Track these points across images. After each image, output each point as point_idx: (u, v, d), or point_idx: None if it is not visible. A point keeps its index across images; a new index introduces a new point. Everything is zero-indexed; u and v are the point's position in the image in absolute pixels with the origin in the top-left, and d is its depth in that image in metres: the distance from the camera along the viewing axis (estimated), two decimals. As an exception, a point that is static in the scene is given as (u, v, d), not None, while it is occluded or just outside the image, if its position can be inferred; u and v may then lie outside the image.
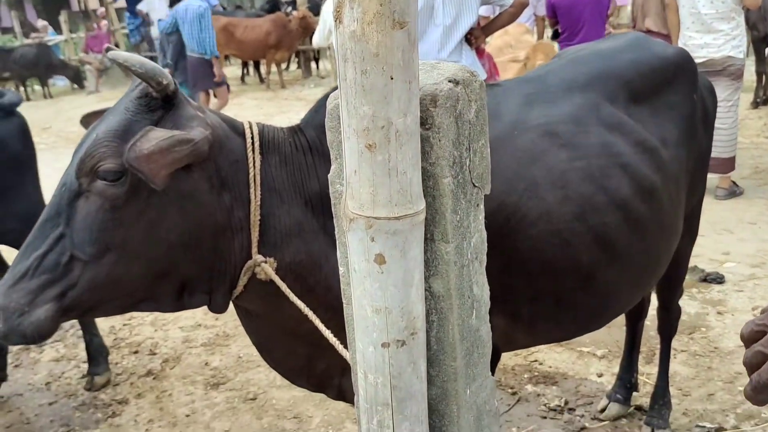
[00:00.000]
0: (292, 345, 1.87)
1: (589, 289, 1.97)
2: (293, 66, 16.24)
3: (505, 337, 1.94)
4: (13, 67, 14.84)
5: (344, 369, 1.70)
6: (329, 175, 1.09)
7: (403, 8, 0.82)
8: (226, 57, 13.78)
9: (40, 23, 18.36)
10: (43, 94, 15.31)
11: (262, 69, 14.55)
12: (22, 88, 15.39)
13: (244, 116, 8.42)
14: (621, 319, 2.92)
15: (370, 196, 0.88)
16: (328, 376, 1.93)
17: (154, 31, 13.91)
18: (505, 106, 1.96)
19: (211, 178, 1.57)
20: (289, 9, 14.74)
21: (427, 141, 0.95)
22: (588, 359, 3.42)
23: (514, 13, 3.88)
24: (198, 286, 1.65)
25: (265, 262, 1.64)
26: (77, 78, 15.78)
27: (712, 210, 5.12)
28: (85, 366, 3.61)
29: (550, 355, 3.46)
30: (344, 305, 1.15)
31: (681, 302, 2.81)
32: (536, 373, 3.33)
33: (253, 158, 1.63)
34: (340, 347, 1.41)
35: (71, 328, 4.12)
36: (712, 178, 5.02)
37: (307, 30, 13.57)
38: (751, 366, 0.88)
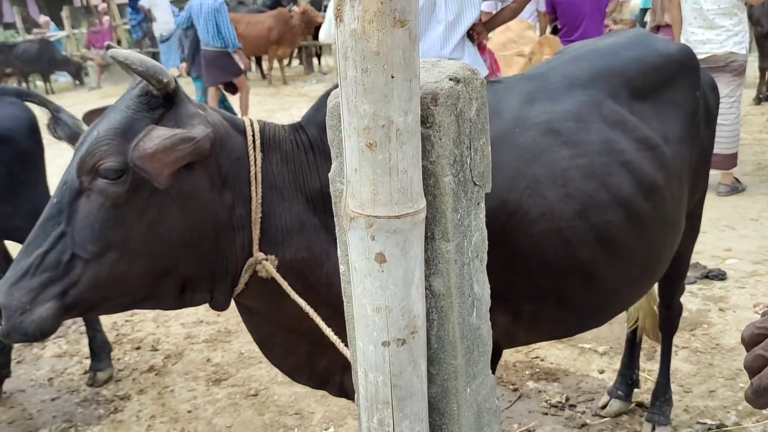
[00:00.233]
0: (293, 342, 1.87)
1: (591, 286, 1.96)
2: (295, 62, 16.22)
3: (507, 335, 1.94)
4: (15, 63, 14.85)
5: (345, 366, 1.70)
6: (330, 174, 1.09)
7: (403, 6, 0.82)
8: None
9: (42, 19, 18.36)
10: (45, 90, 15.31)
11: (264, 65, 14.53)
12: (24, 84, 15.40)
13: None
14: (622, 316, 2.93)
15: (370, 194, 0.88)
16: (330, 373, 1.93)
17: (156, 27, 13.92)
18: (507, 103, 1.95)
19: (212, 176, 1.57)
20: (292, 5, 14.72)
21: (427, 139, 0.95)
22: (589, 356, 3.43)
23: (516, 9, 3.87)
24: (199, 284, 1.65)
25: (266, 259, 1.64)
26: (79, 74, 15.78)
27: (714, 206, 5.12)
28: (88, 362, 3.62)
29: (551, 352, 3.47)
30: (345, 303, 1.16)
31: (682, 299, 2.81)
32: (537, 370, 3.33)
33: (254, 156, 1.63)
34: (340, 345, 1.42)
35: (74, 324, 4.13)
36: (714, 175, 5.02)
37: (309, 25, 13.56)
38: (752, 369, 0.87)
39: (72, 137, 3.02)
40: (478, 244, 1.07)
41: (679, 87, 2.25)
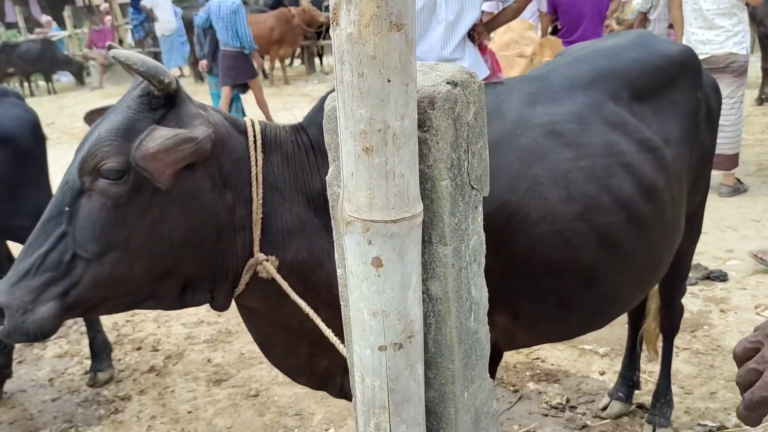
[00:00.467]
0: (293, 343, 1.87)
1: (592, 288, 1.96)
2: (297, 62, 16.22)
3: (508, 337, 1.93)
4: (17, 63, 14.88)
5: (345, 367, 1.69)
6: (327, 177, 1.09)
7: (400, 10, 0.82)
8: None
9: (44, 18, 18.38)
10: (47, 90, 15.34)
11: (266, 65, 14.53)
12: (26, 84, 15.43)
13: (247, 111, 8.48)
14: (623, 317, 2.92)
15: (367, 199, 0.88)
16: (330, 374, 1.93)
17: (158, 27, 13.94)
18: (508, 105, 1.95)
19: (213, 177, 1.57)
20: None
21: (424, 143, 0.95)
22: (590, 357, 3.42)
23: (517, 9, 3.86)
24: (200, 285, 1.65)
25: (267, 260, 1.64)
26: (81, 74, 15.80)
27: (715, 207, 5.11)
28: (88, 362, 3.63)
29: (552, 353, 3.46)
30: (342, 307, 1.15)
31: (683, 300, 2.80)
32: (538, 371, 3.33)
33: (255, 157, 1.63)
34: (340, 346, 1.42)
35: (74, 324, 4.14)
36: (716, 175, 5.01)
37: (311, 25, 13.56)
38: (745, 385, 0.85)
39: None
40: (476, 247, 1.07)
41: (681, 88, 2.24)
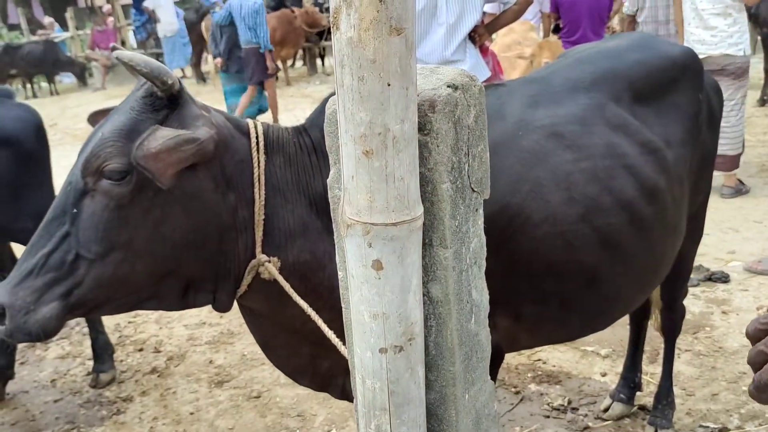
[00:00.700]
0: (295, 344, 1.88)
1: (594, 289, 1.96)
2: (299, 63, 16.23)
3: (509, 338, 1.94)
4: (20, 64, 14.91)
5: (347, 368, 1.70)
6: (328, 180, 1.09)
7: (400, 14, 0.82)
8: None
9: (47, 20, 18.42)
10: (49, 91, 15.37)
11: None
12: (28, 85, 15.46)
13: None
14: (625, 318, 2.92)
15: (367, 202, 0.88)
16: (332, 375, 1.94)
17: (160, 29, 13.96)
18: (510, 107, 1.95)
19: (215, 178, 1.57)
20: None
21: (425, 146, 0.95)
22: (592, 358, 3.42)
23: (518, 11, 3.87)
24: (202, 285, 1.66)
25: (269, 261, 1.64)
26: (83, 75, 15.83)
27: (717, 208, 5.10)
28: (91, 363, 3.63)
29: (553, 355, 3.46)
30: (343, 309, 1.16)
31: (685, 301, 2.80)
32: (540, 373, 3.33)
33: (258, 158, 1.64)
34: (342, 348, 1.42)
35: (77, 325, 4.15)
36: (718, 176, 5.00)
37: (313, 26, 13.56)
38: (754, 365, 0.87)
39: None
40: (477, 250, 1.07)
41: (682, 90, 2.24)
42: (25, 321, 1.49)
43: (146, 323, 4.22)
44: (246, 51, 8.45)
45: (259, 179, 1.63)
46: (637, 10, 5.98)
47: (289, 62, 14.79)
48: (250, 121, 1.71)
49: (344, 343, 1.36)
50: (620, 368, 3.07)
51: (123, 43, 15.97)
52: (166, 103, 1.53)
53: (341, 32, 0.83)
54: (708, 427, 2.84)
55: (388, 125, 0.85)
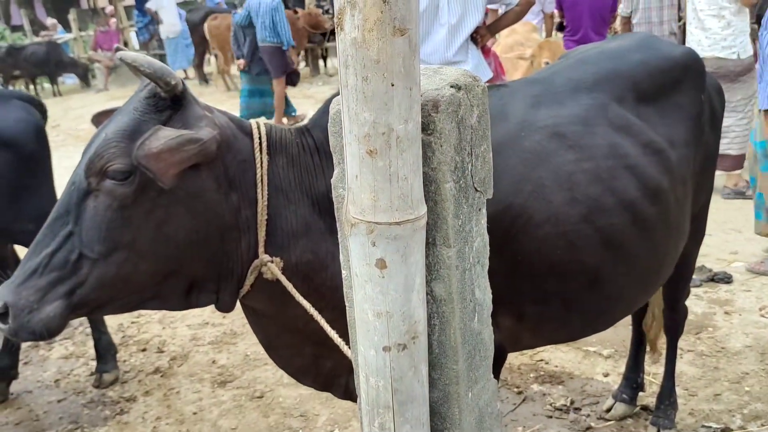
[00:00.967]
0: (298, 344, 1.88)
1: (596, 290, 1.97)
2: (301, 64, 16.24)
3: (512, 338, 1.94)
4: (23, 65, 14.92)
5: (350, 368, 1.70)
6: (332, 180, 1.10)
7: (403, 15, 0.83)
8: (233, 55, 13.78)
9: (50, 21, 18.45)
10: (52, 92, 15.39)
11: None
12: (31, 86, 15.49)
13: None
14: (627, 319, 2.92)
15: (371, 201, 0.89)
16: (335, 375, 1.94)
17: (163, 30, 13.98)
18: (512, 107, 1.96)
19: (218, 178, 1.58)
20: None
21: (428, 146, 0.96)
22: (594, 359, 3.42)
23: (520, 12, 3.87)
24: (205, 285, 1.66)
25: (272, 261, 1.65)
26: (86, 76, 15.86)
27: (720, 209, 5.09)
28: (94, 363, 3.64)
29: (556, 355, 3.46)
30: (347, 308, 1.16)
31: (688, 302, 2.80)
32: (542, 373, 3.33)
33: (261, 158, 1.64)
34: (344, 348, 1.42)
35: (80, 325, 4.15)
36: (720, 176, 4.99)
37: (316, 28, 13.56)
38: None
39: None
40: (480, 249, 1.08)
41: (685, 90, 2.24)
42: (28, 320, 1.50)
43: (149, 323, 4.22)
44: (262, 49, 8.63)
45: (261, 179, 1.63)
46: (631, 12, 5.98)
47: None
48: (253, 122, 1.72)
49: (347, 343, 1.37)
50: (623, 368, 3.07)
51: (126, 45, 16.00)
52: (170, 103, 1.53)
53: (345, 33, 0.83)
54: (710, 427, 2.84)
55: (391, 125, 0.86)
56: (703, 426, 2.85)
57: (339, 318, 1.57)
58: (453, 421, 1.09)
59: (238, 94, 12.74)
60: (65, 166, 3.34)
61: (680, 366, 3.09)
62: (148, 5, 14.39)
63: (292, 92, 12.81)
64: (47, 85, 15.92)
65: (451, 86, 0.98)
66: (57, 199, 3.20)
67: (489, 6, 3.87)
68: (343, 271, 1.13)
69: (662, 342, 2.89)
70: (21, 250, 3.41)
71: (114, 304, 1.61)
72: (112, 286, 1.55)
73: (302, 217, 1.69)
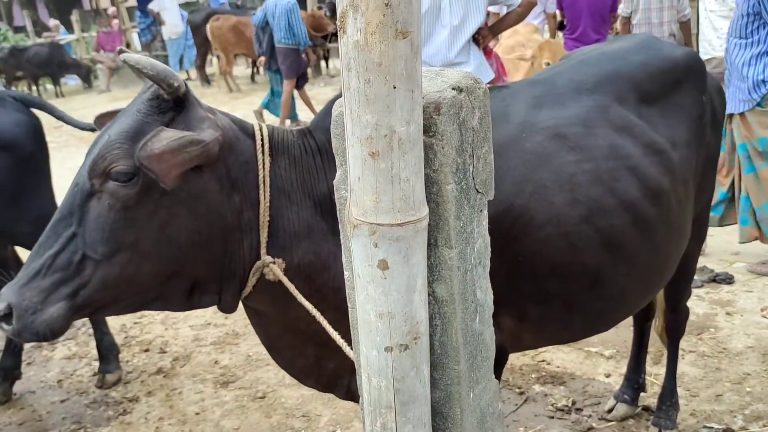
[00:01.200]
0: (301, 345, 1.89)
1: (597, 291, 1.97)
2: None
3: (513, 339, 1.94)
4: (26, 66, 14.96)
5: (353, 369, 1.71)
6: (335, 181, 1.10)
7: (405, 18, 0.83)
8: (235, 56, 13.81)
9: (52, 22, 18.49)
10: (55, 93, 15.42)
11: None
12: (34, 87, 15.52)
13: (254, 115, 8.56)
14: (629, 320, 2.92)
15: (373, 203, 0.90)
16: (337, 376, 1.95)
17: (165, 31, 14.00)
18: (514, 109, 1.96)
19: (221, 179, 1.59)
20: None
21: (430, 148, 0.97)
22: (596, 359, 3.43)
23: (521, 13, 3.88)
24: (208, 286, 1.67)
25: (274, 262, 1.65)
26: (88, 77, 15.88)
27: (722, 210, 5.09)
28: (97, 364, 3.65)
29: (557, 355, 3.47)
30: (349, 309, 1.17)
31: (689, 302, 2.80)
32: (544, 373, 3.33)
33: (263, 160, 1.65)
34: (346, 348, 1.43)
35: (83, 326, 4.17)
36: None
37: (318, 30, 13.58)
38: None
39: None
40: (481, 250, 1.08)
41: (686, 91, 2.25)
42: (32, 321, 1.51)
43: (152, 324, 4.24)
44: (278, 50, 8.85)
45: (264, 181, 1.64)
46: (631, 12, 5.99)
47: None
48: (255, 123, 1.72)
49: (349, 344, 1.38)
50: (624, 369, 3.08)
51: (128, 46, 16.02)
52: (173, 105, 1.54)
53: (348, 36, 0.84)
54: (712, 427, 2.84)
55: (394, 127, 0.86)
56: (704, 427, 2.85)
57: (341, 319, 1.57)
58: (455, 422, 1.10)
59: (240, 95, 12.82)
60: (68, 167, 3.35)
61: (682, 367, 3.09)
62: (150, 6, 14.43)
63: (294, 92, 12.83)
64: (50, 86, 15.96)
65: (453, 88, 0.98)
66: (55, 200, 3.24)
67: (490, 9, 3.88)
68: (346, 272, 1.13)
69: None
70: (21, 251, 3.42)
71: (117, 305, 1.62)
72: (116, 287, 1.56)
73: (304, 219, 1.70)
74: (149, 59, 1.50)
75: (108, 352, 3.58)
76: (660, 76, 2.20)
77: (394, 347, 0.97)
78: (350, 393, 1.97)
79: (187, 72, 14.73)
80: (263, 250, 1.65)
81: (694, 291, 3.69)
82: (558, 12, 7.00)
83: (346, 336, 1.41)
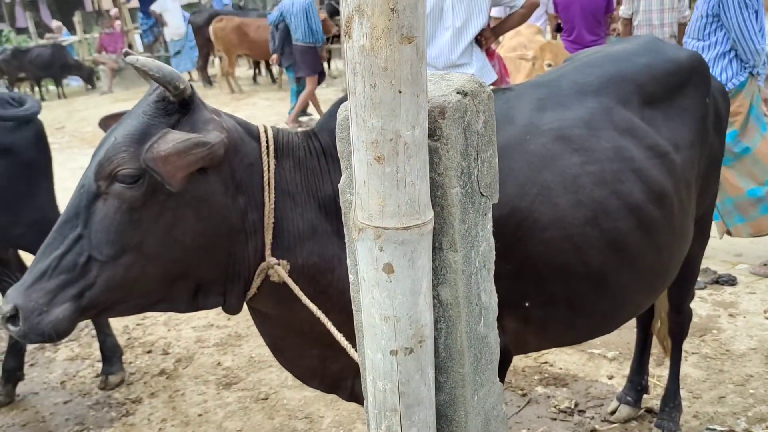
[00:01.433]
0: (305, 346, 1.89)
1: (601, 293, 1.97)
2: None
3: (517, 340, 1.95)
4: (28, 68, 14.98)
5: (357, 371, 1.71)
6: (340, 185, 1.11)
7: (411, 23, 0.84)
8: (238, 57, 13.83)
9: (55, 24, 18.51)
10: (57, 94, 15.44)
11: (274, 69, 14.58)
12: (36, 88, 15.54)
13: (256, 116, 8.60)
14: (632, 321, 2.92)
15: (378, 206, 0.90)
16: (341, 377, 1.95)
17: (168, 32, 14.02)
18: (518, 111, 1.96)
19: (226, 181, 1.59)
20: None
21: (435, 152, 0.97)
22: (598, 361, 3.43)
23: (524, 14, 3.88)
24: (212, 288, 1.67)
25: (278, 264, 1.66)
26: (91, 78, 15.91)
27: (724, 211, 5.08)
28: (100, 365, 3.66)
29: (560, 357, 3.47)
30: (354, 312, 1.17)
31: (692, 304, 2.80)
32: (546, 375, 3.34)
33: (268, 162, 1.65)
34: (351, 350, 1.43)
35: (86, 327, 4.17)
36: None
37: (323, 33, 13.57)
38: None
39: None
40: (486, 254, 1.09)
41: (690, 93, 2.25)
42: (38, 322, 1.52)
43: (155, 325, 4.24)
44: (296, 48, 8.99)
45: (268, 183, 1.64)
46: (632, 14, 5.99)
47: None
48: (260, 125, 1.73)
49: (353, 345, 1.38)
50: (627, 371, 3.08)
51: (130, 47, 16.05)
52: (178, 107, 1.55)
53: (354, 41, 0.84)
54: (715, 429, 2.84)
55: (399, 131, 0.87)
56: (707, 428, 2.85)
57: (346, 320, 1.58)
58: (459, 424, 1.10)
59: (242, 96, 12.83)
60: (70, 168, 3.36)
61: (685, 368, 3.09)
62: (152, 8, 14.44)
63: (289, 91, 12.84)
64: (52, 88, 15.98)
65: (458, 92, 0.99)
66: (57, 203, 3.23)
67: (492, 13, 3.88)
68: (351, 276, 1.14)
69: (670, 344, 2.89)
70: (22, 253, 3.43)
71: (122, 306, 1.63)
72: (121, 288, 1.56)
73: (309, 220, 1.70)
74: (155, 61, 1.50)
75: (111, 353, 3.59)
76: (664, 78, 2.21)
77: (399, 350, 0.97)
78: (354, 394, 1.98)
79: (189, 73, 14.74)
80: (268, 252, 1.65)
81: (697, 292, 3.69)
82: (555, 15, 7.04)
83: (351, 337, 1.41)
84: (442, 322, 1.06)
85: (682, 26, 5.74)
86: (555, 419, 3.01)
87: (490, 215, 1.09)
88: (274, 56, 9.64)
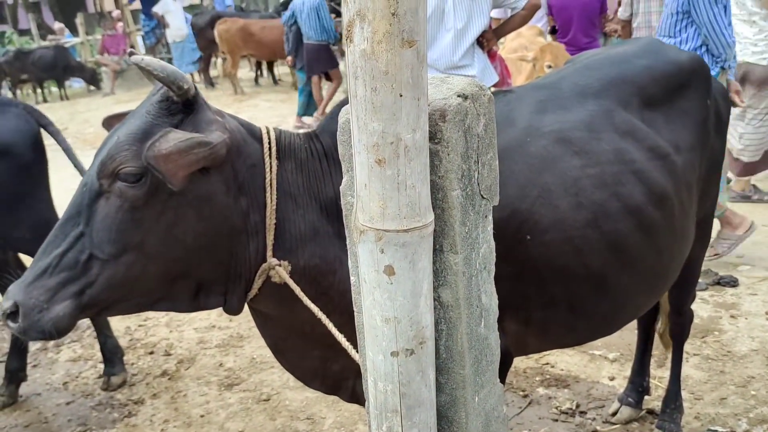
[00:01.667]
0: (306, 347, 1.89)
1: (602, 294, 1.98)
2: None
3: (518, 342, 1.95)
4: (30, 69, 15.01)
5: (358, 372, 1.72)
6: (341, 187, 1.12)
7: (412, 27, 0.84)
8: (241, 58, 13.84)
9: (57, 25, 18.55)
10: (59, 96, 15.47)
11: (276, 70, 14.60)
12: (39, 90, 15.58)
13: (258, 118, 8.63)
14: (633, 322, 2.93)
15: (379, 209, 0.91)
16: (343, 378, 1.95)
17: (169, 34, 14.05)
18: (518, 113, 1.97)
19: (228, 182, 1.60)
20: None
21: (436, 155, 0.98)
22: (600, 362, 3.43)
23: (525, 16, 3.89)
24: (214, 288, 1.68)
25: (280, 265, 1.66)
26: (94, 80, 15.93)
27: (726, 212, 5.08)
28: (102, 366, 3.66)
29: (561, 358, 3.47)
30: (355, 314, 1.18)
31: (694, 305, 2.81)
32: (548, 376, 3.34)
33: (270, 163, 1.66)
34: (352, 351, 1.44)
35: (88, 328, 4.18)
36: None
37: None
38: None
39: None
40: (486, 255, 1.09)
41: (690, 95, 2.25)
42: (38, 319, 1.52)
43: (157, 326, 4.25)
44: (308, 47, 9.03)
45: (270, 184, 1.65)
46: (631, 15, 5.99)
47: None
48: (263, 127, 1.74)
49: (355, 347, 1.39)
50: (628, 372, 3.08)
51: (133, 48, 16.07)
52: (182, 107, 1.55)
53: (355, 45, 0.85)
54: (716, 431, 2.84)
55: (400, 135, 0.87)
56: (708, 430, 2.85)
57: (347, 321, 1.58)
58: (460, 425, 1.11)
59: (243, 97, 12.84)
60: (71, 170, 3.36)
61: (686, 370, 3.09)
62: (154, 9, 14.46)
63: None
64: (54, 89, 16.01)
65: (458, 95, 0.99)
66: (54, 207, 3.24)
67: (493, 16, 3.89)
68: (352, 278, 1.14)
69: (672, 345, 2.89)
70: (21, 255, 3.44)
71: (123, 305, 1.63)
72: (122, 286, 1.57)
73: (310, 222, 1.71)
74: (160, 61, 1.51)
75: (112, 354, 3.60)
76: (664, 80, 2.21)
77: (400, 352, 0.98)
78: (355, 395, 1.98)
79: (191, 74, 14.77)
80: (269, 253, 1.66)
81: (699, 294, 3.70)
82: (549, 17, 7.06)
83: (352, 339, 1.42)
84: (442, 323, 1.06)
85: None
86: (556, 420, 3.02)
87: (490, 217, 1.09)
88: (290, 58, 9.69)
